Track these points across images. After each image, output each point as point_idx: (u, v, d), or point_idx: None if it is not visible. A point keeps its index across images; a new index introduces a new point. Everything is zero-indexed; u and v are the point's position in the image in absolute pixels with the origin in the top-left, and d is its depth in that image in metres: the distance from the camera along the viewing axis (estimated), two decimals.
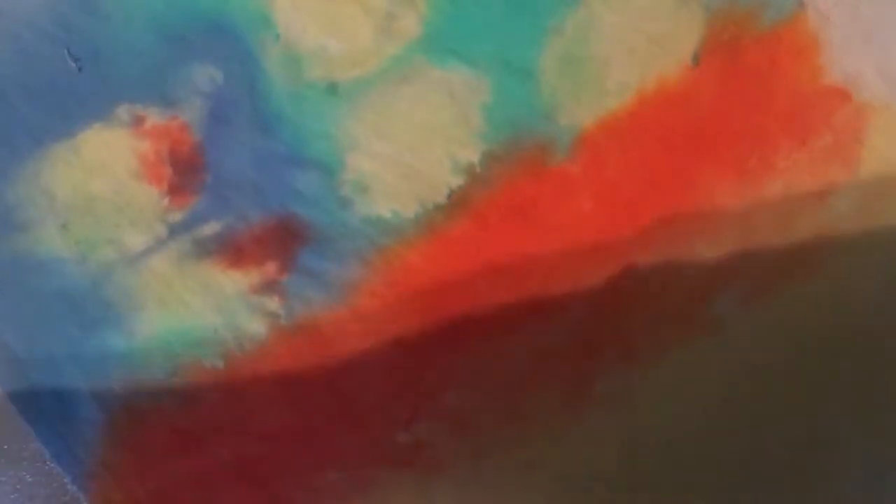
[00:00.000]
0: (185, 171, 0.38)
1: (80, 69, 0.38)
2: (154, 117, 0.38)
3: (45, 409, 0.38)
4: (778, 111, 0.38)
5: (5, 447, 0.40)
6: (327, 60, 0.38)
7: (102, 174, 0.38)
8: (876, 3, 0.38)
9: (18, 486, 0.40)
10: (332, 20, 0.38)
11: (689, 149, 0.38)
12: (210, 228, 0.38)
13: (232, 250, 0.38)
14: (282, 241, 0.38)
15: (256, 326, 0.38)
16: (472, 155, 0.38)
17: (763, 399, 0.37)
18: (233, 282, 0.38)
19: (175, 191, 0.38)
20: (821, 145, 0.38)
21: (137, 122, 0.38)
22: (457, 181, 0.38)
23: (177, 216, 0.38)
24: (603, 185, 0.38)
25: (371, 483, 0.37)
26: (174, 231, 0.38)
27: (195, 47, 0.38)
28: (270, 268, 0.38)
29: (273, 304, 0.38)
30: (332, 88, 0.38)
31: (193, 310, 0.38)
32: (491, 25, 0.38)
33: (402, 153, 0.38)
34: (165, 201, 0.38)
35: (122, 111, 0.38)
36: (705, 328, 0.37)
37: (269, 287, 0.38)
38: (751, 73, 0.38)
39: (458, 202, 0.38)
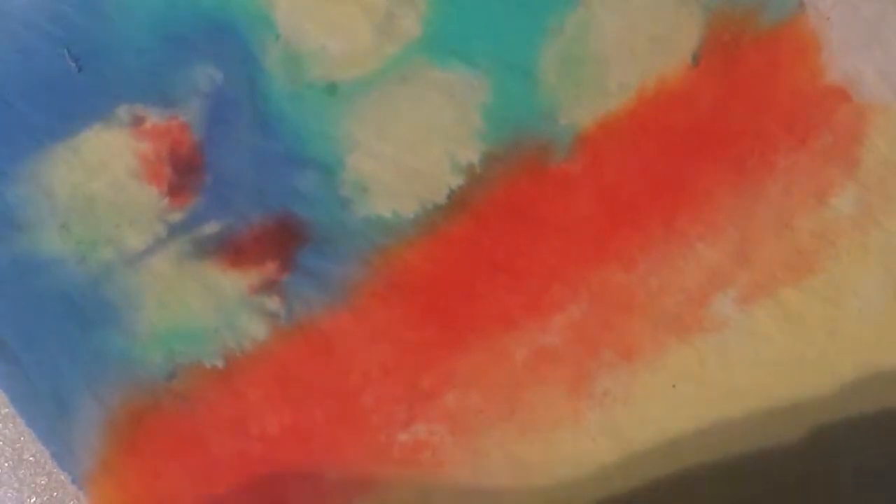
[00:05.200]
0: (185, 171, 0.38)
1: (80, 69, 0.38)
2: (154, 117, 0.38)
3: (45, 409, 0.38)
4: (778, 111, 0.38)
5: (5, 447, 0.40)
6: (327, 60, 0.38)
7: (102, 174, 0.38)
8: (876, 3, 0.38)
9: (19, 487, 0.40)
10: (332, 20, 0.38)
11: (689, 149, 0.38)
12: (210, 228, 0.38)
13: (232, 250, 0.38)
14: (282, 241, 0.38)
15: (256, 326, 0.38)
16: (472, 155, 0.38)
17: (763, 399, 0.37)
18: (232, 282, 0.38)
19: (175, 191, 0.38)
20: (821, 145, 0.38)
21: (137, 122, 0.38)
22: (457, 181, 0.38)
23: (177, 216, 0.38)
24: (603, 185, 0.38)
25: (371, 483, 0.37)
26: (174, 231, 0.38)
27: (195, 47, 0.38)
28: (270, 268, 0.38)
29: (273, 304, 0.38)
30: (332, 88, 0.38)
31: (193, 310, 0.38)
32: (491, 25, 0.38)
33: (402, 153, 0.38)
34: (165, 201, 0.38)
35: (122, 111, 0.38)
36: (705, 328, 0.37)
37: (269, 287, 0.38)
38: (751, 73, 0.38)
39: (458, 202, 0.38)
